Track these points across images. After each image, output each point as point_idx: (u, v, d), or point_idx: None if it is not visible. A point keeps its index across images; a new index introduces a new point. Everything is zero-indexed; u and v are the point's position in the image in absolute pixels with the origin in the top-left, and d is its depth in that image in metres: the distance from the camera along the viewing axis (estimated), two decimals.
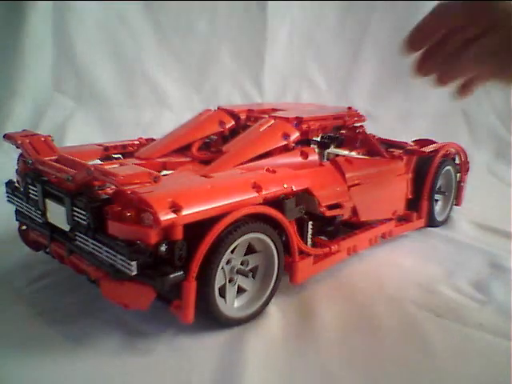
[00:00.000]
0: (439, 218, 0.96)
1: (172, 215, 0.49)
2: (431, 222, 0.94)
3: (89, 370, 0.52)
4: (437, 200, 0.96)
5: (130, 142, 0.79)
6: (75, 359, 0.53)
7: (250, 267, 0.61)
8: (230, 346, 0.56)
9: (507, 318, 0.64)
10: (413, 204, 0.89)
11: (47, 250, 0.67)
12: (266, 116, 0.77)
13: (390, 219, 0.84)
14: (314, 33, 1.76)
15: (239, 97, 1.72)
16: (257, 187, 0.58)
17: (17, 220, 0.70)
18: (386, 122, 1.63)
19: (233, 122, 0.81)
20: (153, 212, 0.48)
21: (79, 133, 1.50)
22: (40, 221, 0.63)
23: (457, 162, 0.99)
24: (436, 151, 0.91)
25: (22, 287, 0.67)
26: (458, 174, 1.00)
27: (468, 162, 1.01)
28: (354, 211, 0.74)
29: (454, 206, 1.01)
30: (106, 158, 0.75)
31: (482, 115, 1.74)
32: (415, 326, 0.62)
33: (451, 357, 0.56)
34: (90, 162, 0.59)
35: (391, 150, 0.89)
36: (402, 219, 0.89)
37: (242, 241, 0.57)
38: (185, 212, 0.50)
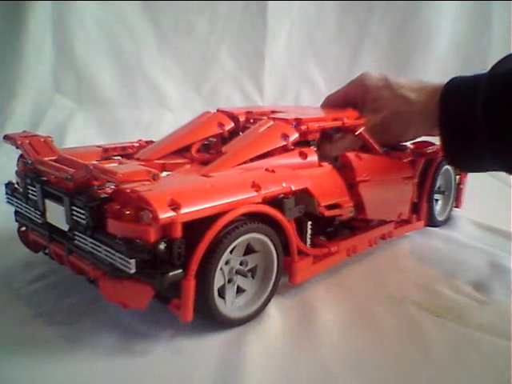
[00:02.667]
0: (440, 218, 0.96)
1: (171, 213, 0.49)
2: (432, 223, 0.94)
3: (87, 370, 0.51)
4: (437, 200, 0.96)
5: (130, 144, 0.79)
6: (74, 360, 0.53)
7: (248, 267, 0.60)
8: (229, 346, 0.56)
9: (507, 318, 0.64)
10: (413, 205, 0.89)
11: (46, 251, 0.67)
12: (265, 117, 0.77)
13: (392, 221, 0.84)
14: (314, 33, 1.76)
15: (239, 97, 1.72)
16: (256, 186, 0.58)
17: (16, 221, 0.70)
18: None
19: (232, 124, 0.81)
20: (152, 210, 0.48)
21: (79, 133, 1.50)
22: (39, 221, 0.63)
23: None
24: (435, 153, 0.91)
25: (21, 288, 0.67)
26: (458, 176, 0.99)
27: None
28: (362, 207, 0.74)
29: (454, 208, 1.01)
30: (106, 159, 0.75)
31: None
32: (415, 326, 0.62)
33: (451, 357, 0.56)
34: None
35: (390, 152, 0.89)
36: (402, 221, 0.88)
37: (241, 241, 0.57)
38: (184, 210, 0.50)
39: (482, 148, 0.64)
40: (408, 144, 0.93)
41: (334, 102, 0.88)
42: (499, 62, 0.64)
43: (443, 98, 0.68)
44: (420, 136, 0.80)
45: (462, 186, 1.00)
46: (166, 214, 0.49)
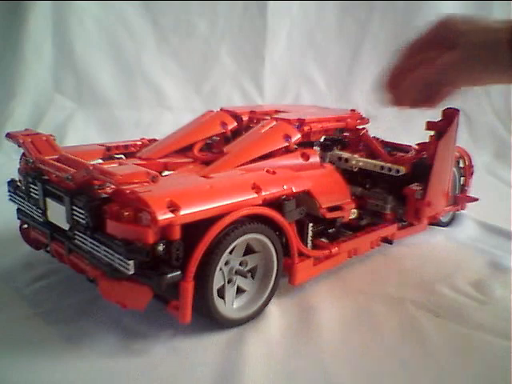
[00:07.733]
0: (443, 219, 0.96)
1: (170, 215, 0.49)
2: (435, 224, 0.94)
3: (87, 370, 0.52)
4: None
5: (133, 143, 0.79)
6: (74, 360, 0.53)
7: (248, 268, 0.60)
8: (229, 347, 0.56)
9: (507, 318, 0.64)
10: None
11: (47, 249, 0.67)
12: (268, 117, 0.76)
13: (394, 221, 0.83)
14: (314, 33, 1.76)
15: (239, 97, 1.72)
16: (256, 188, 0.58)
17: (18, 219, 0.70)
18: (386, 122, 1.62)
19: (235, 123, 0.81)
20: (150, 211, 0.48)
21: (79, 134, 1.50)
22: (40, 219, 0.63)
23: (461, 165, 0.98)
24: None
25: (22, 287, 0.67)
26: (462, 178, 0.99)
27: (472, 166, 0.99)
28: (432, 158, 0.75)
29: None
30: (108, 157, 0.75)
31: (481, 115, 1.74)
32: (415, 326, 0.62)
33: (451, 357, 0.56)
34: (92, 162, 0.59)
35: (394, 153, 0.88)
36: (405, 223, 0.86)
37: (240, 242, 0.57)
38: (183, 212, 0.50)
39: None
40: (413, 145, 0.93)
41: (417, 49, 0.84)
42: None
43: None
44: (499, 79, 0.75)
45: (466, 188, 0.99)
46: (164, 216, 0.49)
